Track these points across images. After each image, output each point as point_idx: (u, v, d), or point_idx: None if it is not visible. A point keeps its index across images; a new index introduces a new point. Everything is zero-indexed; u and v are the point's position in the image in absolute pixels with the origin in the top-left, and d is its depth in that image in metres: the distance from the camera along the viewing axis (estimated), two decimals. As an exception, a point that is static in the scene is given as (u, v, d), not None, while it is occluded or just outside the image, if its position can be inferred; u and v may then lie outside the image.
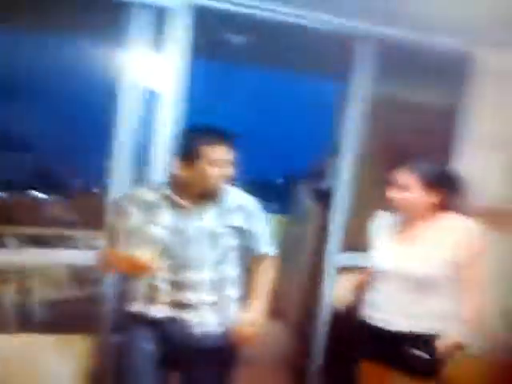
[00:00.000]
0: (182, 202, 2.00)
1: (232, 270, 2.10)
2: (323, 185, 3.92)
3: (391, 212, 2.25)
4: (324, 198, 3.64)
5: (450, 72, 3.04)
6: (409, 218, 2.17)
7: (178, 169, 1.97)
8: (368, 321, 2.25)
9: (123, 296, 2.20)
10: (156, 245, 1.93)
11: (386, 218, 2.28)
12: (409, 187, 2.11)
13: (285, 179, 5.07)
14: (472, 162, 3.04)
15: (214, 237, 2.02)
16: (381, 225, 2.29)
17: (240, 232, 2.09)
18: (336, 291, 2.34)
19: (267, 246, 2.19)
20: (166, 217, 2.00)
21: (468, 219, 2.11)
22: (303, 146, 4.92)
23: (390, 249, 2.19)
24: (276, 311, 4.12)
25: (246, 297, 2.16)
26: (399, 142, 4.20)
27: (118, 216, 2.05)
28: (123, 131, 2.58)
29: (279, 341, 3.86)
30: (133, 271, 1.98)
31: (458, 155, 3.12)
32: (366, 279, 2.31)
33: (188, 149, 1.95)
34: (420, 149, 4.01)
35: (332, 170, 3.35)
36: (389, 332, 2.16)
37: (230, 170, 1.99)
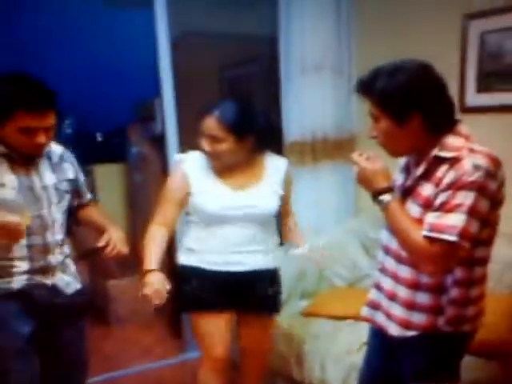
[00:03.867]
0: (19, 160, 1.86)
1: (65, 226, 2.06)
2: (155, 128, 3.87)
3: (200, 154, 2.16)
4: (157, 142, 3.62)
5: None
6: (228, 164, 2.13)
7: None
8: (207, 267, 2.16)
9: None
10: (23, 209, 1.78)
11: (199, 161, 2.17)
12: (220, 138, 2.03)
13: (109, 130, 4.88)
14: (301, 91, 3.11)
15: (58, 192, 1.97)
16: (194, 167, 2.16)
17: (73, 184, 2.08)
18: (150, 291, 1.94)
19: (88, 193, 2.23)
20: (10, 177, 1.85)
21: (281, 157, 2.27)
22: (126, 87, 4.71)
23: (222, 193, 2.12)
24: (135, 266, 4.15)
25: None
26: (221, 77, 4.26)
27: None
28: None
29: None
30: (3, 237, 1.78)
31: (285, 84, 3.14)
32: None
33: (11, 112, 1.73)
34: (244, 82, 4.14)
35: (160, 112, 3.32)
36: (234, 274, 2.15)
37: (43, 138, 1.80)
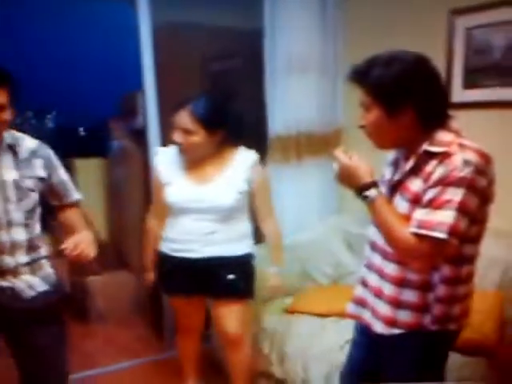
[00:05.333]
0: None
1: (38, 226, 1.98)
2: (136, 123, 3.80)
3: (173, 148, 2.31)
4: (139, 136, 3.55)
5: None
6: (197, 157, 2.26)
7: None
8: (174, 254, 2.35)
9: None
10: None
11: (170, 154, 2.33)
12: (191, 131, 2.16)
13: (91, 124, 4.84)
14: (286, 86, 3.07)
15: (19, 190, 1.86)
16: (166, 161, 2.34)
17: (43, 182, 1.95)
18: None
19: (72, 193, 2.09)
20: None
21: (251, 152, 2.31)
22: (109, 81, 4.65)
23: (185, 185, 2.27)
24: (118, 261, 4.09)
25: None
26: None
27: None
28: None
29: (128, 290, 3.81)
30: None
31: (270, 78, 3.09)
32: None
33: None
34: (228, 76, 4.09)
35: (142, 107, 3.26)
36: (199, 261, 2.30)
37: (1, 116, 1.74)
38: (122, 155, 4.12)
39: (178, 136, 2.20)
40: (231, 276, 2.32)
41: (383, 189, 1.60)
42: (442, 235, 1.37)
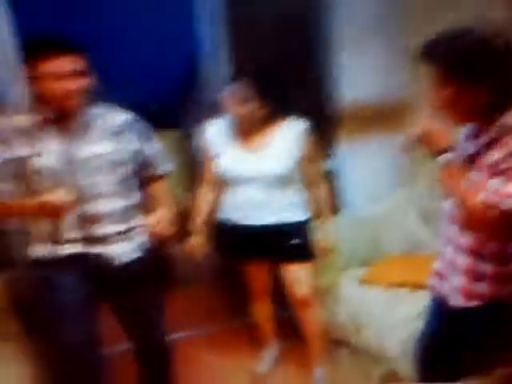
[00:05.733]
0: (60, 124, 1.85)
1: (135, 196, 2.08)
2: (211, 95, 3.88)
3: (223, 120, 2.40)
4: (213, 108, 3.63)
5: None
6: (249, 127, 2.33)
7: (28, 85, 1.83)
8: (234, 223, 2.44)
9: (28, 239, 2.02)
10: (67, 185, 1.81)
11: (220, 126, 2.41)
12: (247, 101, 2.23)
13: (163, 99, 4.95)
14: (353, 58, 3.07)
15: (109, 162, 1.93)
16: (216, 133, 2.41)
17: (136, 154, 2.05)
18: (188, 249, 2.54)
19: (164, 164, 2.23)
20: (50, 144, 1.84)
21: (301, 121, 2.37)
22: (177, 54, 4.72)
23: (237, 155, 2.35)
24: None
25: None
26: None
27: None
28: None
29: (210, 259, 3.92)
30: (46, 217, 1.86)
31: (337, 51, 3.08)
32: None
33: (26, 62, 1.80)
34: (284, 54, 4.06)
35: (215, 80, 3.33)
36: (260, 228, 2.39)
37: (69, 84, 1.79)
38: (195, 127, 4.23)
39: (232, 107, 2.29)
40: (292, 241, 2.42)
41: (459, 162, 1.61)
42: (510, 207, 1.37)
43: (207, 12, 2.94)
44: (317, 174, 2.48)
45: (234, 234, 2.47)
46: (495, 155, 1.45)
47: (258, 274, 2.64)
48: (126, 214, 2.02)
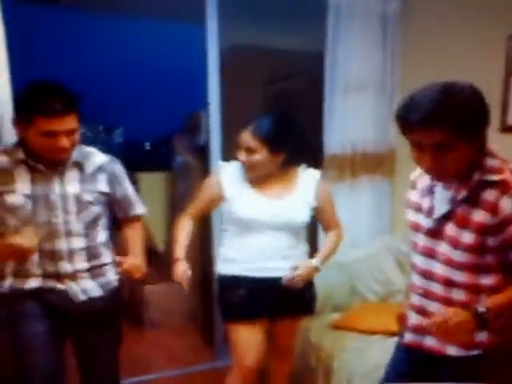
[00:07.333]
0: (39, 166, 1.89)
1: (103, 236, 2.10)
2: (200, 139, 3.97)
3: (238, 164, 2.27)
4: (201, 152, 3.71)
5: (310, 15, 3.05)
6: (261, 175, 2.23)
7: (18, 132, 1.87)
8: (251, 274, 2.23)
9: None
10: (35, 226, 1.86)
11: (234, 168, 2.28)
12: (254, 150, 2.14)
13: (156, 138, 5.03)
14: (344, 106, 3.13)
15: (79, 203, 1.97)
16: (230, 174, 2.27)
17: (106, 196, 2.07)
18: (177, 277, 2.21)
19: (136, 206, 2.24)
20: (25, 183, 1.88)
21: (315, 170, 2.33)
22: (173, 99, 4.84)
23: (255, 200, 2.22)
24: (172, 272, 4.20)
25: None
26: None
27: None
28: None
29: (183, 301, 3.88)
30: (13, 258, 1.91)
31: (329, 99, 3.16)
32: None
33: (21, 113, 1.83)
34: (289, 96, 4.19)
35: (205, 124, 3.40)
36: (275, 280, 2.20)
37: (64, 142, 1.83)
38: (184, 170, 4.29)
39: (241, 155, 2.20)
40: (306, 293, 2.34)
41: (422, 216, 1.63)
42: None
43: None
44: (336, 217, 2.41)
45: (251, 288, 2.23)
46: (481, 215, 1.48)
47: (258, 338, 2.28)
48: (92, 252, 2.05)
